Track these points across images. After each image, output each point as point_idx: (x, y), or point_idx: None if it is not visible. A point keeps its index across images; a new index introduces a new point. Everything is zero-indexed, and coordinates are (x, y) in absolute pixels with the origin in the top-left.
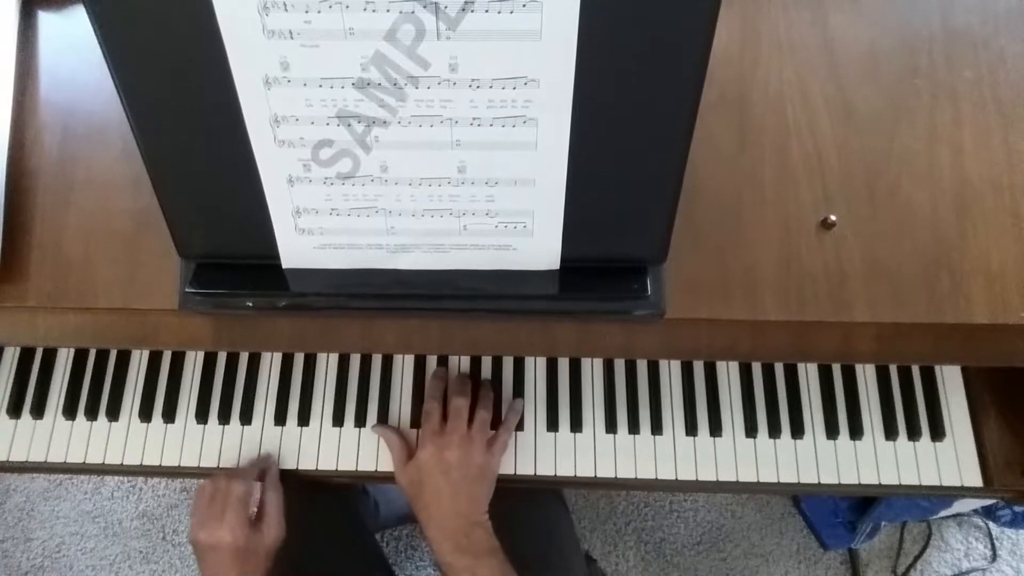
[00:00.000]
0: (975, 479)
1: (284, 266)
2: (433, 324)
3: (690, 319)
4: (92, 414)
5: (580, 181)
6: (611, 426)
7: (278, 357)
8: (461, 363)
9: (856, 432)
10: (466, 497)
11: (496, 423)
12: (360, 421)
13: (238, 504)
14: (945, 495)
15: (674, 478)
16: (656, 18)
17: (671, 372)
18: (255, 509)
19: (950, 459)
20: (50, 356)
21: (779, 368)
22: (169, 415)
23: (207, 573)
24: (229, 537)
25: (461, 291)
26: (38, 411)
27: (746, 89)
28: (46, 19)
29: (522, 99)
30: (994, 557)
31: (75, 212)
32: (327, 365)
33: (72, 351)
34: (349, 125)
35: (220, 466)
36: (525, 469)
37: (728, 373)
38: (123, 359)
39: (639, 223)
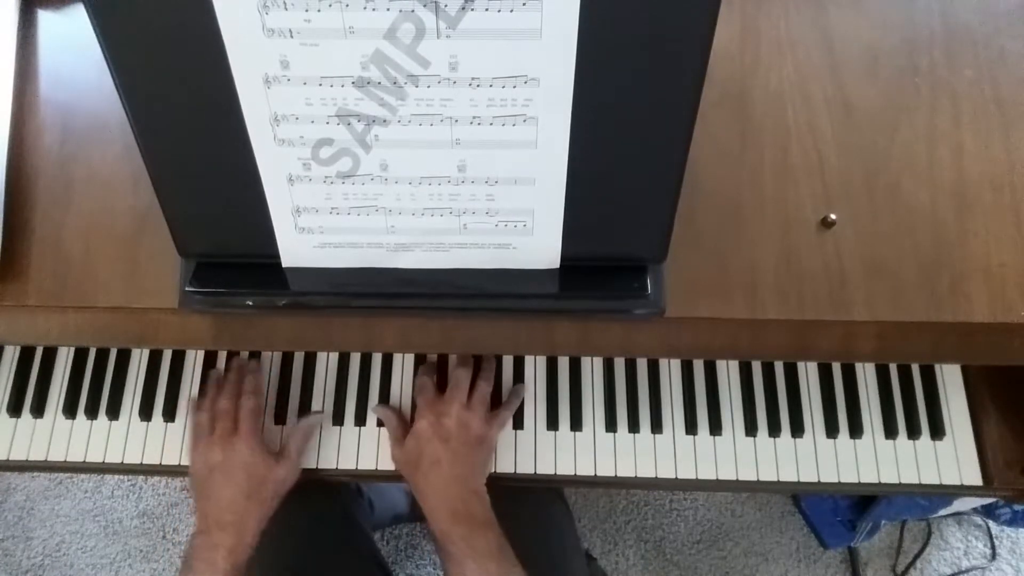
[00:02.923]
0: (975, 478)
1: (284, 265)
2: (433, 323)
3: (690, 318)
4: (92, 413)
5: (580, 180)
6: (611, 425)
7: (278, 356)
8: None
9: (856, 431)
10: (464, 464)
11: (496, 403)
12: (360, 420)
13: (251, 416)
14: (945, 494)
15: (674, 477)
16: (656, 17)
17: (671, 371)
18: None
19: (950, 458)
20: (50, 355)
21: (779, 367)
22: (169, 414)
23: (209, 501)
24: (246, 449)
25: (461, 290)
26: (38, 410)
27: (746, 88)
28: (46, 18)
29: (522, 98)
30: (994, 556)
31: (75, 211)
32: (327, 364)
33: (72, 350)
34: (349, 124)
35: None
36: (525, 468)
37: (728, 372)
38: (123, 358)
39: (639, 222)
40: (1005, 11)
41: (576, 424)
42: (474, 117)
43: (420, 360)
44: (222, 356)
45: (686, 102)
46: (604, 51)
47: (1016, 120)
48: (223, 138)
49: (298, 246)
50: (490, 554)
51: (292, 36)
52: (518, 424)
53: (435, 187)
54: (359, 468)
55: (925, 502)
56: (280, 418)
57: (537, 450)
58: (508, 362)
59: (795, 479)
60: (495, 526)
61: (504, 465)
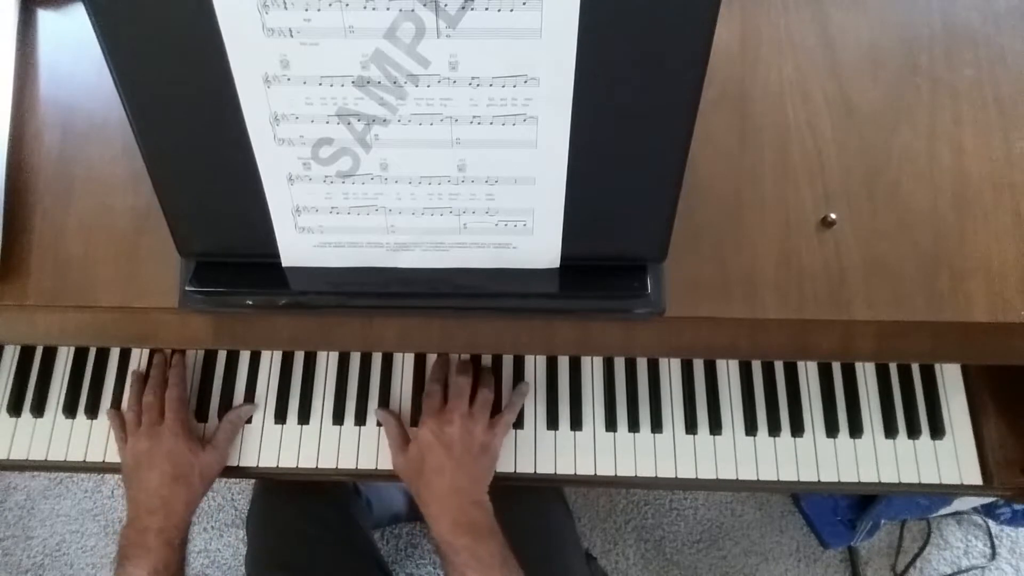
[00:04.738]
0: (975, 477)
1: (284, 264)
2: (433, 322)
3: (690, 317)
4: (92, 412)
5: (580, 179)
6: (611, 424)
7: (278, 355)
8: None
9: (856, 430)
10: (467, 473)
11: (498, 408)
12: (360, 419)
13: (177, 406)
14: (945, 493)
15: (674, 476)
16: (657, 16)
17: (671, 370)
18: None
19: (950, 457)
20: (50, 354)
21: (779, 366)
22: None
23: (139, 489)
24: (171, 437)
25: (461, 289)
26: (38, 410)
27: (746, 87)
28: (45, 17)
29: (522, 97)
30: (993, 555)
31: (75, 210)
32: (327, 363)
33: (72, 350)
34: (349, 123)
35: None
36: (525, 467)
37: (728, 371)
38: (123, 358)
39: (639, 221)
40: (1006, 10)
41: (576, 424)
42: (474, 116)
43: (420, 360)
44: (222, 356)
45: (686, 101)
46: (604, 51)
47: (1016, 118)
48: (223, 138)
49: (298, 245)
50: (493, 564)
51: (292, 35)
52: (518, 424)
53: (435, 186)
54: (359, 468)
55: (925, 501)
56: (280, 418)
57: (537, 450)
58: (508, 362)
59: (795, 479)
60: (498, 535)
61: (504, 465)
